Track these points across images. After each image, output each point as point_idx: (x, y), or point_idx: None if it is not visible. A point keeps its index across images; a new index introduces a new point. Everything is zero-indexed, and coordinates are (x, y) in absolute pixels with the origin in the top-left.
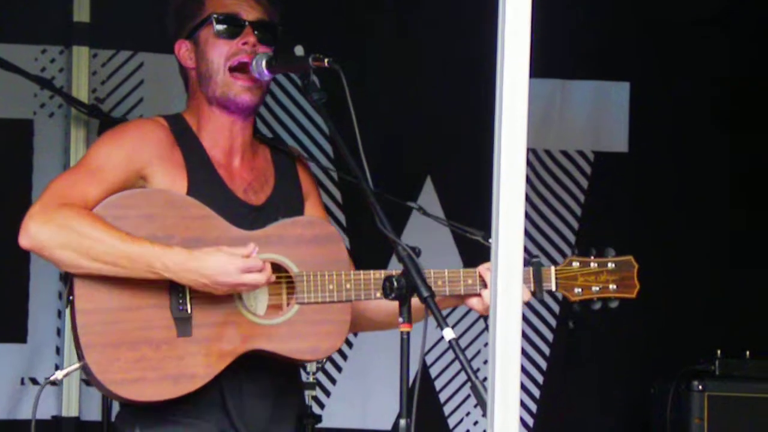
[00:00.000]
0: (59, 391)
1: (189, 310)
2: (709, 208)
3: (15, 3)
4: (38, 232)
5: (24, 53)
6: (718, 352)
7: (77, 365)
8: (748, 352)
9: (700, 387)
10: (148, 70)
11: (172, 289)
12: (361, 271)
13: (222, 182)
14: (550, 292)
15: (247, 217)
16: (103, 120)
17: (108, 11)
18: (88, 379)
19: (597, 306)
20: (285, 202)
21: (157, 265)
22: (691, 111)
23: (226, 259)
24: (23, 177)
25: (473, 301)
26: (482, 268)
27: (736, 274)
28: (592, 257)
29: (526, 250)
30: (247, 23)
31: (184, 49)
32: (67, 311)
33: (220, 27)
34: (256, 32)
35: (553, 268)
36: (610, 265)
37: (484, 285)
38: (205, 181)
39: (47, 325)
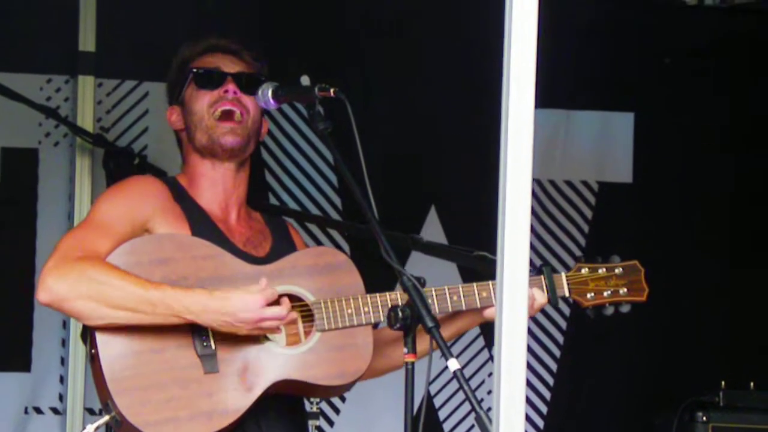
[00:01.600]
0: (63, 420)
1: (213, 347)
2: (715, 239)
3: (20, 32)
4: (56, 285)
5: (29, 82)
6: (722, 383)
7: (107, 417)
8: (752, 384)
9: (705, 418)
10: (153, 99)
11: (194, 327)
12: (377, 294)
13: (223, 234)
14: (565, 300)
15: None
16: (107, 149)
17: (113, 41)
18: (118, 430)
19: (609, 311)
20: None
21: (178, 308)
22: (696, 142)
23: (246, 296)
24: (28, 206)
25: (491, 312)
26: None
27: (742, 306)
28: (600, 263)
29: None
30: (228, 75)
31: (175, 114)
32: (90, 366)
33: (201, 80)
34: (237, 83)
35: (563, 274)
36: (618, 270)
37: None
38: (207, 233)
39: (51, 354)
